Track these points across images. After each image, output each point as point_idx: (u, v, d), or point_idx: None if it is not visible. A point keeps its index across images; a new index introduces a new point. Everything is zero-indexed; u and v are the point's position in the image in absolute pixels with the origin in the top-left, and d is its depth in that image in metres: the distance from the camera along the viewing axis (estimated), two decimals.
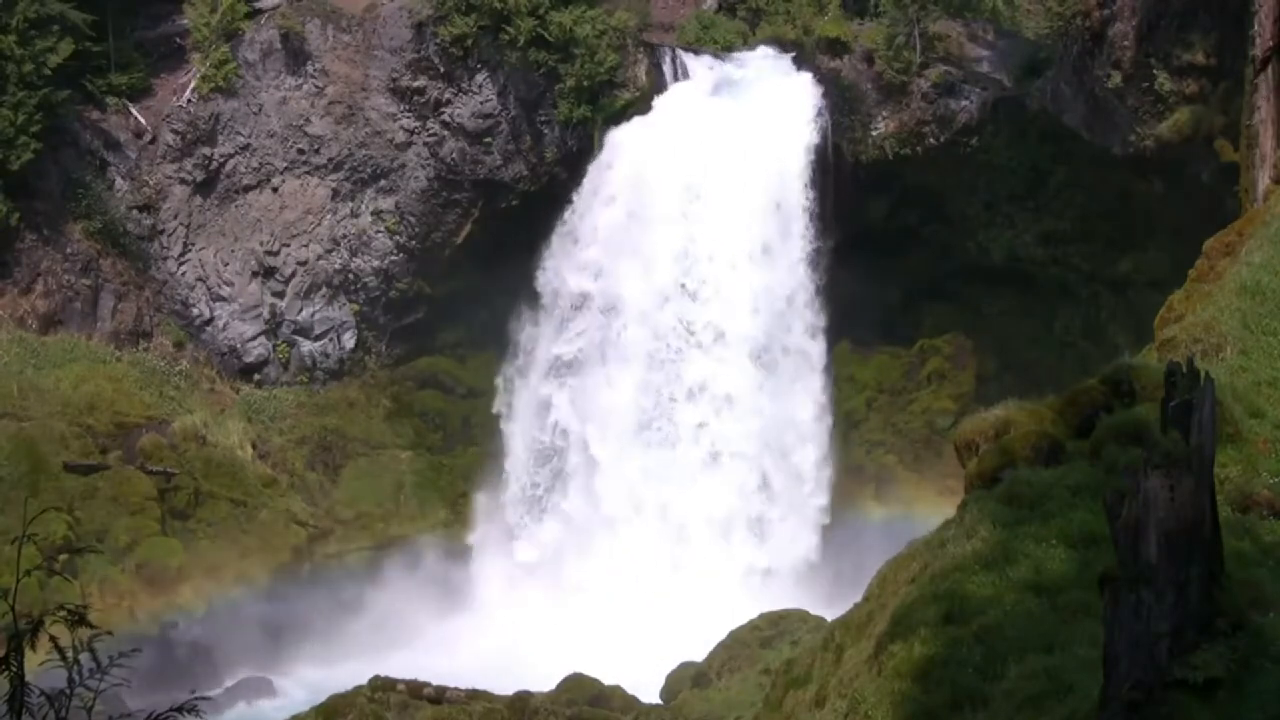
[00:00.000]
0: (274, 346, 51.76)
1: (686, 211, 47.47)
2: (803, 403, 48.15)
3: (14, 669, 7.41)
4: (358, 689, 30.40)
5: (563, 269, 48.74)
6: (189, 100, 50.54)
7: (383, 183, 51.47)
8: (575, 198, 48.88)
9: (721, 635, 36.15)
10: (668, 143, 48.02)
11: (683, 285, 47.55)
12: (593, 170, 48.81)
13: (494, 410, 50.54)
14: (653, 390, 47.64)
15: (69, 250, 48.57)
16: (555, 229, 48.94)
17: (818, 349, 48.47)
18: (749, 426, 47.37)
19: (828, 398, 48.75)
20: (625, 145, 48.49)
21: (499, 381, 50.62)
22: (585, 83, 49.02)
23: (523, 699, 30.76)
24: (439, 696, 30.46)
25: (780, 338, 48.03)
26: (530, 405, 49.42)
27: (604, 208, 48.24)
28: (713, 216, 47.36)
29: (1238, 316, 20.86)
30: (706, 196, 47.45)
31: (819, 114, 48.86)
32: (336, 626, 45.28)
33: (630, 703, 32.98)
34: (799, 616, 36.47)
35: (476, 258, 51.49)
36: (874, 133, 49.37)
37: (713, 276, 47.54)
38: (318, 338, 52.18)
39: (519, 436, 49.59)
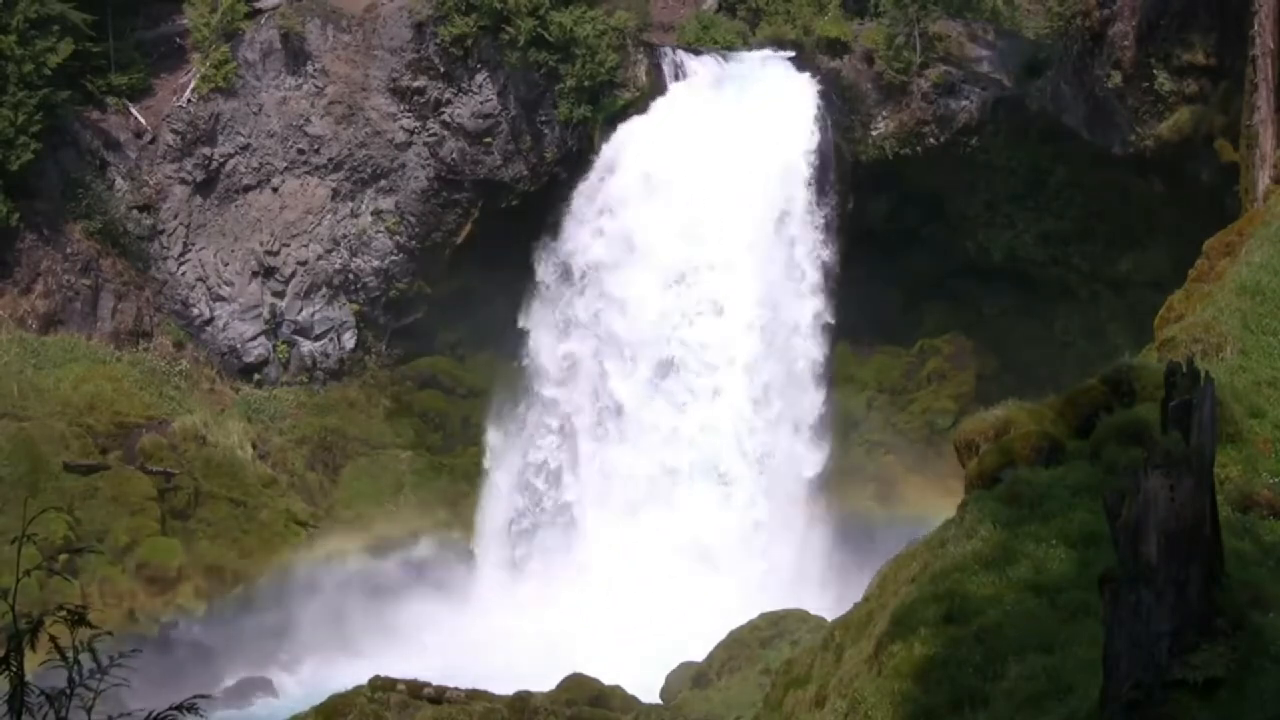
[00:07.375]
0: (274, 346, 51.73)
1: (686, 211, 47.40)
2: (805, 410, 48.19)
3: (14, 669, 7.40)
4: (358, 689, 30.34)
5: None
6: (189, 100, 50.52)
7: (383, 183, 51.44)
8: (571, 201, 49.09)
9: (721, 635, 36.14)
10: (667, 144, 47.95)
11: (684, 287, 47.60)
12: (591, 174, 48.82)
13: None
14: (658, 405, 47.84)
15: (69, 250, 48.54)
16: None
17: (820, 350, 48.45)
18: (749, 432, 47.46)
19: (829, 409, 48.71)
20: (625, 147, 48.43)
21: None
22: (585, 83, 48.97)
23: (523, 699, 30.69)
24: (439, 696, 30.39)
25: (783, 336, 48.01)
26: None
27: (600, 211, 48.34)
28: (713, 217, 47.28)
29: (1238, 316, 20.86)
30: (707, 196, 47.38)
31: (819, 114, 48.80)
32: (336, 626, 45.26)
33: (630, 703, 32.93)
34: (799, 616, 36.46)
35: (476, 258, 51.45)
36: (874, 133, 49.35)
37: (713, 275, 47.53)
38: (318, 338, 52.14)
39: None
